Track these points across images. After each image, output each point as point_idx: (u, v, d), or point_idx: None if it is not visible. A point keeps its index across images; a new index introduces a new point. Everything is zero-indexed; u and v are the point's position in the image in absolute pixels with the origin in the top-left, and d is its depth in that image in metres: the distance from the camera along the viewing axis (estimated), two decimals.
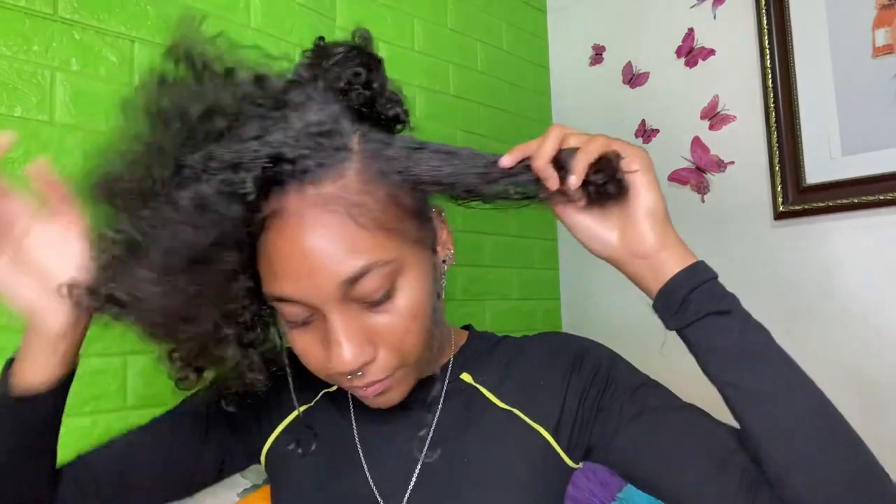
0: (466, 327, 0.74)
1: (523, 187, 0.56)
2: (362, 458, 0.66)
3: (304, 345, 0.57)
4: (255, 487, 0.89)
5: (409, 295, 0.55)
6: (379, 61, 0.58)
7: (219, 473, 0.72)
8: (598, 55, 1.77)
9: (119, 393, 0.97)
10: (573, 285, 1.78)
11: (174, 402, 1.06)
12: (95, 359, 0.94)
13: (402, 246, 0.55)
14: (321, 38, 0.58)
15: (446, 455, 0.64)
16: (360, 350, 0.54)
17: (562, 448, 0.64)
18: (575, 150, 0.55)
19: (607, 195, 0.57)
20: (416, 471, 0.64)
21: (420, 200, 0.58)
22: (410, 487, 0.63)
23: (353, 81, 0.55)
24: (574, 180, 0.55)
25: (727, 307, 0.57)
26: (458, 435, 0.64)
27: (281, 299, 0.55)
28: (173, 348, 0.58)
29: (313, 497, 0.66)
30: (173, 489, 0.71)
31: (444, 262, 0.63)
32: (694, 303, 0.56)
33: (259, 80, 0.52)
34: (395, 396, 0.60)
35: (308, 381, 0.67)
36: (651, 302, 0.59)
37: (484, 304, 1.57)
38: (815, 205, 1.37)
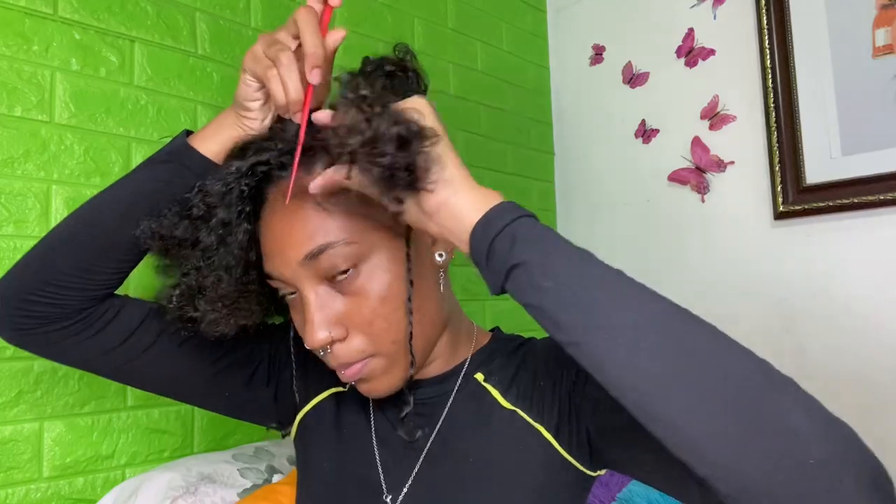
0: (493, 330, 0.75)
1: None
2: (375, 447, 0.69)
3: (297, 323, 0.64)
4: (255, 487, 0.89)
5: (375, 278, 0.59)
6: (386, 64, 0.66)
7: (255, 408, 0.76)
8: (598, 55, 1.77)
9: (119, 393, 0.97)
10: None
11: (174, 403, 1.06)
12: None
13: (369, 230, 0.59)
14: (365, 58, 0.67)
15: (449, 452, 0.65)
16: (326, 328, 0.59)
17: (565, 450, 0.63)
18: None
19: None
20: (417, 465, 0.65)
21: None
22: (409, 481, 0.65)
23: (354, 87, 0.62)
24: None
25: (526, 255, 0.48)
26: (463, 433, 0.65)
27: (269, 277, 0.62)
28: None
29: (330, 478, 0.70)
30: (206, 392, 0.74)
31: (440, 255, 0.64)
32: (497, 256, 0.49)
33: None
34: (377, 387, 0.63)
35: None
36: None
37: (484, 304, 1.57)
38: (815, 205, 1.37)
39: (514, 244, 0.49)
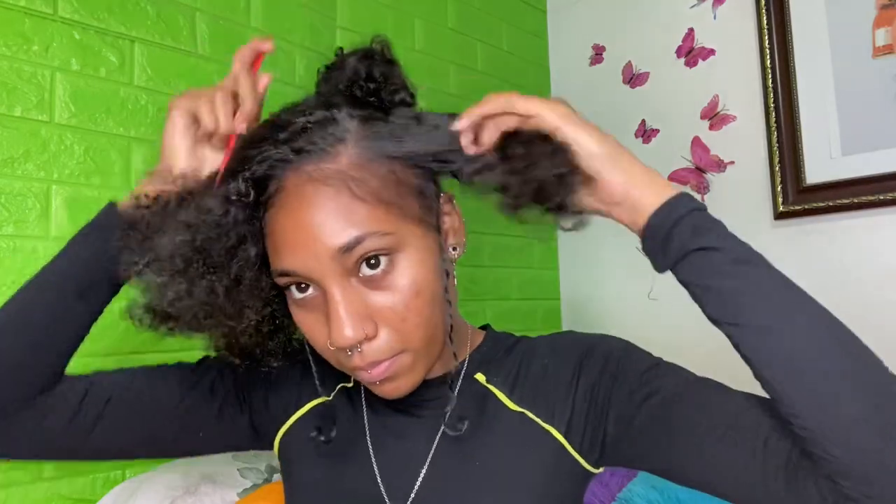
0: (484, 328, 0.73)
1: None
2: (372, 456, 0.66)
3: (309, 323, 0.58)
4: (255, 487, 0.89)
5: (409, 272, 0.56)
6: (375, 55, 0.62)
7: (223, 440, 0.73)
8: (598, 55, 1.77)
9: None
10: (573, 285, 1.78)
11: None
12: (93, 359, 0.94)
13: (402, 221, 0.56)
14: (340, 49, 0.63)
15: (455, 456, 0.63)
16: (359, 324, 0.54)
17: (575, 449, 0.62)
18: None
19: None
20: (423, 471, 0.63)
21: (424, 180, 0.59)
22: (416, 488, 0.63)
23: (355, 78, 0.60)
24: (463, 122, 0.56)
25: (711, 243, 0.53)
26: (468, 436, 0.63)
27: (284, 274, 0.57)
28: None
29: (324, 493, 0.66)
30: (180, 438, 0.70)
31: (454, 249, 0.63)
32: (675, 241, 0.53)
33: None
34: (402, 385, 0.59)
35: (328, 374, 0.68)
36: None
37: (484, 304, 1.57)
38: (815, 205, 1.37)
39: (695, 232, 0.53)
